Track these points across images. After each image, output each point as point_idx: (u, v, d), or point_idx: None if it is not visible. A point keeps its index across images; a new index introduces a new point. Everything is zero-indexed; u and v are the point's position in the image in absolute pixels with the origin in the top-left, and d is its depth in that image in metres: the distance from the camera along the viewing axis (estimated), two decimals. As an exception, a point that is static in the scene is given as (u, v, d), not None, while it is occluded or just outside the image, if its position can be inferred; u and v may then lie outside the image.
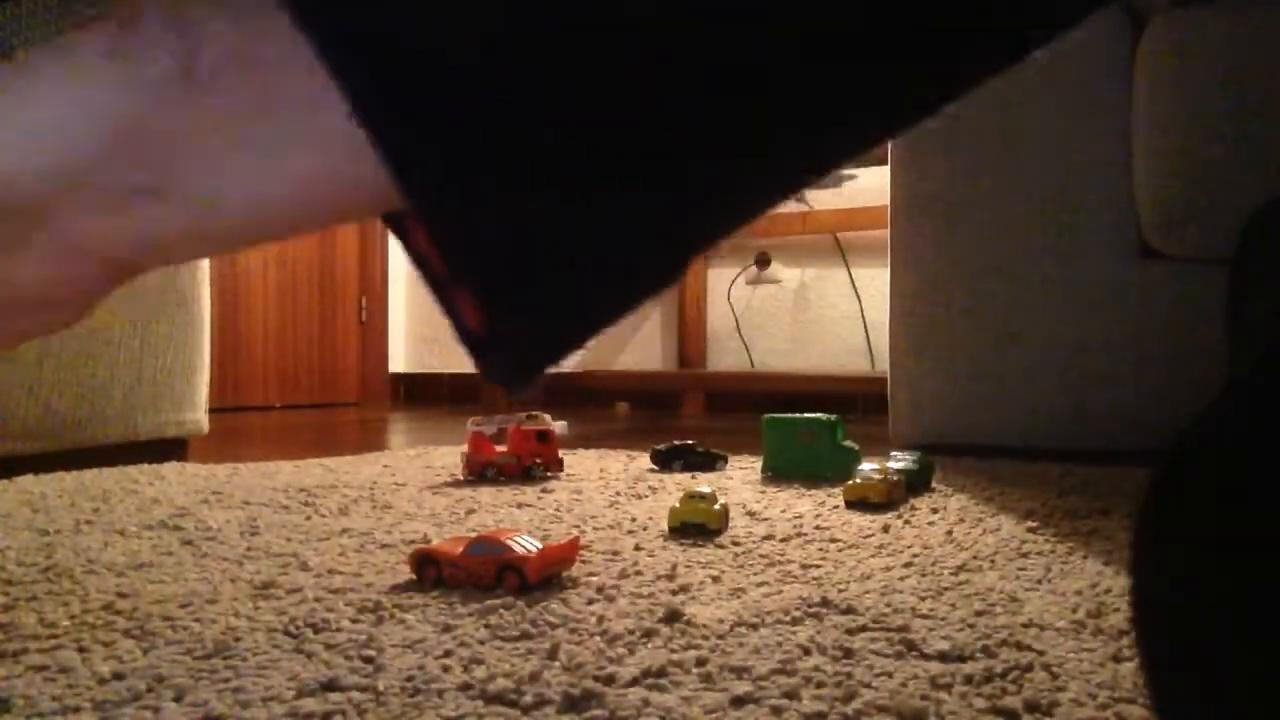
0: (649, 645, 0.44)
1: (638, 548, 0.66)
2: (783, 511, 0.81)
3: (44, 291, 0.27)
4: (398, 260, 3.15)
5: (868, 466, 0.88)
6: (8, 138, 0.24)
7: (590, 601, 0.52)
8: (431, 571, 0.56)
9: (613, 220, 0.22)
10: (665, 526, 0.73)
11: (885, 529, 0.73)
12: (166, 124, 0.23)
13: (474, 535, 0.57)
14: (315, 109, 0.21)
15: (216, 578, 0.58)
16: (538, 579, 0.54)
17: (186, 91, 0.22)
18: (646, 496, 0.90)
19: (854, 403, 2.16)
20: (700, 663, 0.42)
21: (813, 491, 0.92)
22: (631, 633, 0.46)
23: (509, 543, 0.55)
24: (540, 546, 0.55)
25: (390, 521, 0.77)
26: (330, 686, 0.39)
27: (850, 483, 0.84)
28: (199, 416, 1.35)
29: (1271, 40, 1.03)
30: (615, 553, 0.64)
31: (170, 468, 1.12)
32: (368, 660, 0.42)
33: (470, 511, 0.82)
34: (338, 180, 0.23)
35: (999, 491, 0.90)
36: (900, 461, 0.92)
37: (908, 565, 0.61)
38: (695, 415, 2.41)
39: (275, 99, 0.22)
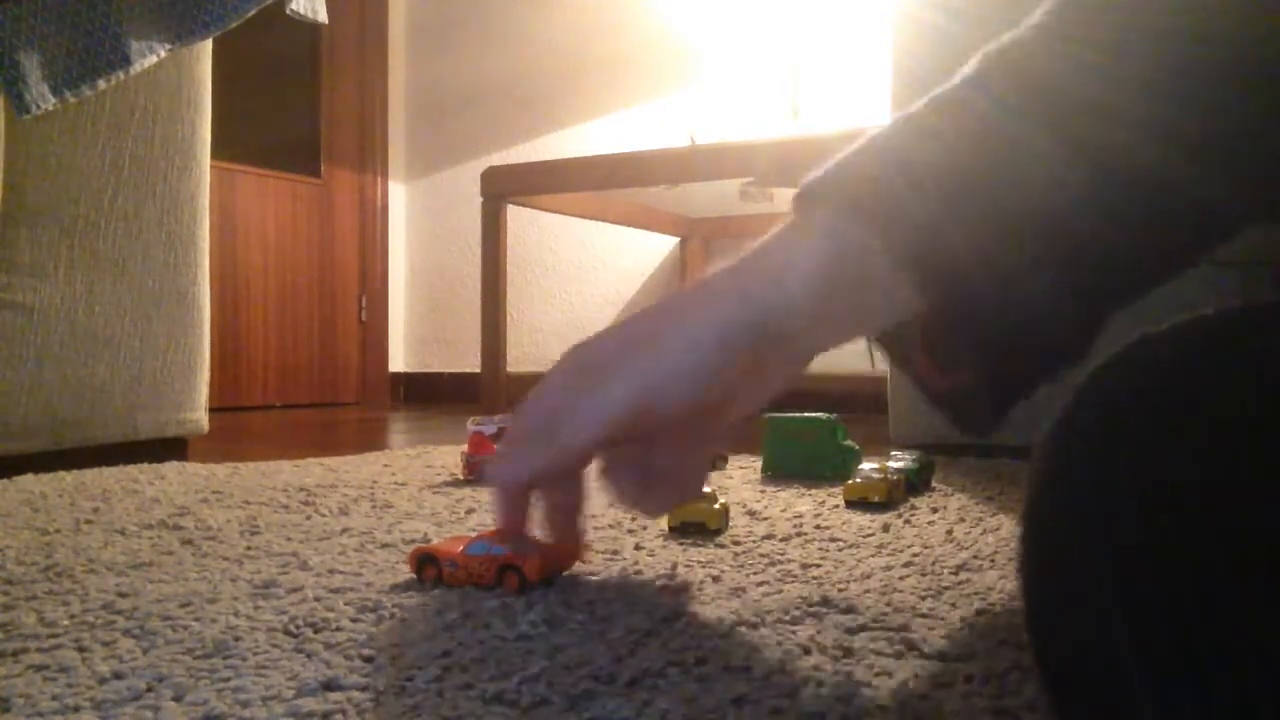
0: (649, 645, 0.44)
1: (638, 547, 0.66)
2: (783, 511, 0.81)
3: (775, 391, 0.48)
4: (398, 260, 3.15)
5: (868, 466, 0.88)
6: (791, 288, 0.42)
7: (590, 601, 0.52)
8: (431, 571, 0.56)
9: (1060, 342, 0.43)
10: (665, 526, 0.73)
11: (885, 528, 0.73)
12: (848, 280, 0.42)
13: (474, 534, 0.57)
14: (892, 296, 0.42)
15: (216, 577, 0.58)
16: (538, 579, 0.54)
17: (847, 268, 0.42)
18: (646, 496, 0.90)
19: (854, 403, 2.16)
20: (700, 662, 0.42)
21: (813, 491, 0.92)
22: (632, 632, 0.46)
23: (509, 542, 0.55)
24: (540, 546, 0.55)
25: (390, 521, 0.77)
26: (330, 686, 0.39)
27: (850, 482, 0.84)
28: (199, 416, 1.35)
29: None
30: (615, 552, 0.64)
31: (170, 467, 1.12)
32: (368, 660, 0.42)
33: (470, 511, 0.82)
34: (885, 322, 0.45)
35: (999, 491, 0.90)
36: (900, 461, 0.92)
37: (908, 565, 0.61)
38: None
39: (870, 282, 0.42)
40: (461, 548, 0.55)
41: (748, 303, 0.43)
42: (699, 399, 0.46)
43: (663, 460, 0.52)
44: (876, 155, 0.44)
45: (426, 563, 0.56)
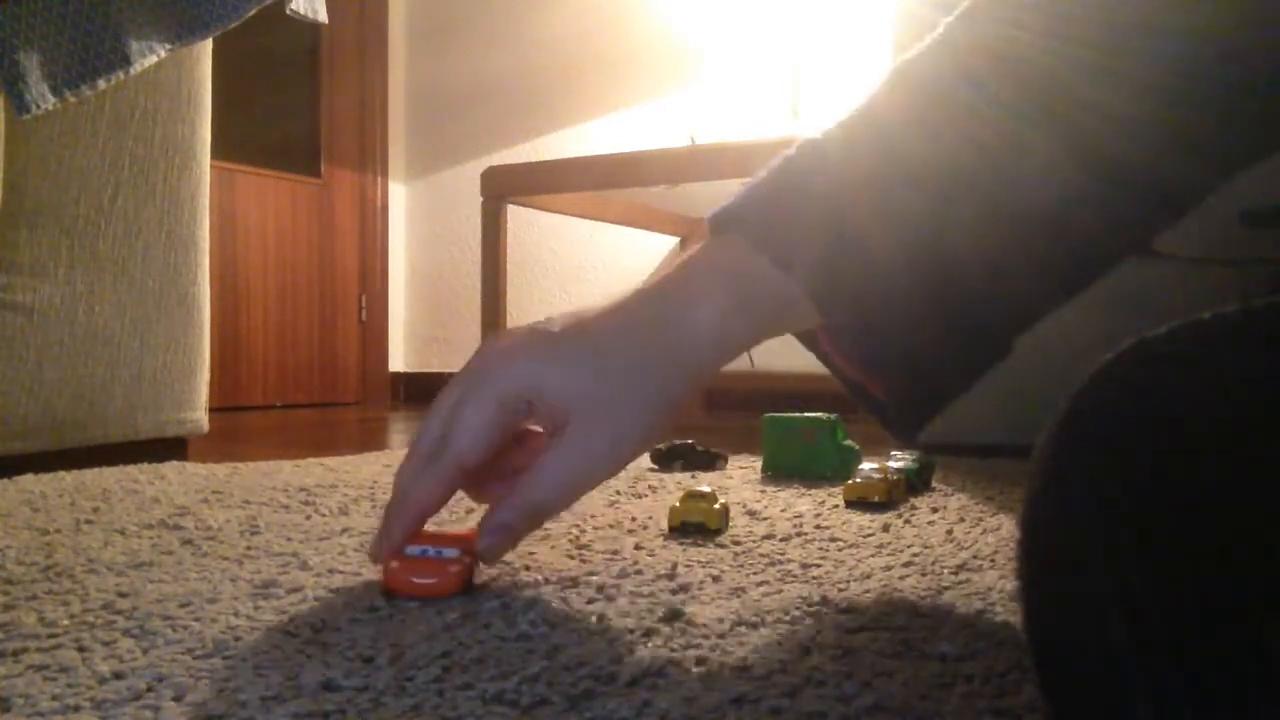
0: (649, 645, 0.44)
1: (638, 547, 0.66)
2: (783, 511, 0.81)
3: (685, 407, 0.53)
4: (398, 260, 3.15)
5: (868, 466, 0.88)
6: (706, 349, 0.51)
7: (590, 601, 0.52)
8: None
9: (965, 348, 0.49)
10: (665, 526, 0.73)
11: (885, 528, 0.73)
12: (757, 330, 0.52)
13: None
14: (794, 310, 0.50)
15: (216, 577, 0.58)
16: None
17: (755, 318, 0.51)
18: (646, 496, 0.90)
19: (854, 403, 2.16)
20: (700, 662, 0.42)
21: (813, 491, 0.92)
22: (631, 632, 0.46)
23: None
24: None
25: (390, 521, 0.77)
26: (330, 686, 0.39)
27: (850, 482, 0.84)
28: (199, 416, 1.35)
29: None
30: (615, 552, 0.64)
31: (170, 467, 1.12)
32: (367, 660, 0.42)
33: (470, 511, 0.82)
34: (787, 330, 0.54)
35: (999, 491, 0.90)
36: (900, 461, 0.92)
37: (908, 565, 0.61)
38: (695, 415, 2.41)
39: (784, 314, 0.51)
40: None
41: (678, 360, 0.51)
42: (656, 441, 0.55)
43: None
44: (788, 183, 0.50)
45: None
